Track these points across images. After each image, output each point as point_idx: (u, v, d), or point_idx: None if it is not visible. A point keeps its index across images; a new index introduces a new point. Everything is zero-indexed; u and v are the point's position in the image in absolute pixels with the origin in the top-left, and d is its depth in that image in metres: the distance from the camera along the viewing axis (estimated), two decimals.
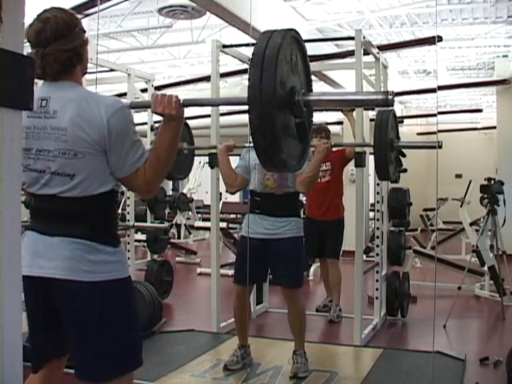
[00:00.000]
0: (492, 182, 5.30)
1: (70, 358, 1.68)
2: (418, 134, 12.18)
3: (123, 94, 6.14)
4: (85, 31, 1.66)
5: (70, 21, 1.59)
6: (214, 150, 4.19)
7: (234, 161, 3.41)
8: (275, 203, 3.26)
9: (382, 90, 4.58)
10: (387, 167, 3.08)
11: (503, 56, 8.87)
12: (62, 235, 1.52)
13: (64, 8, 1.63)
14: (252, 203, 3.33)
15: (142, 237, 6.47)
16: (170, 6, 5.72)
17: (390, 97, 1.43)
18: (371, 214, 5.35)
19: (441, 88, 8.65)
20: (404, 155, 3.45)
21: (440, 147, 3.24)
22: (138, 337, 1.69)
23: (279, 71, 1.34)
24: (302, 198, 6.51)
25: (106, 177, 1.57)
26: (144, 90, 5.44)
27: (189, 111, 10.81)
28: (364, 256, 4.23)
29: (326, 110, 9.75)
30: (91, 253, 1.54)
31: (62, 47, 1.55)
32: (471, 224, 6.94)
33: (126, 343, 1.60)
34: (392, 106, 1.54)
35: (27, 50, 1.43)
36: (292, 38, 1.47)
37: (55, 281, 1.52)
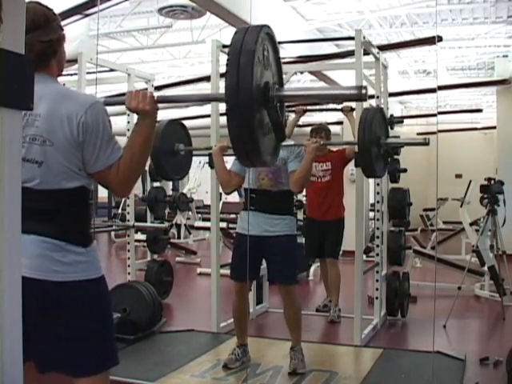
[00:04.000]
0: (492, 181, 5.30)
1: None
2: (418, 134, 12.16)
3: (123, 94, 6.14)
4: (63, 29, 1.65)
5: (47, 14, 1.59)
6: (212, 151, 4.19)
7: (230, 160, 3.42)
8: (270, 200, 3.28)
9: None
10: (371, 163, 3.06)
11: (503, 56, 8.87)
12: (31, 233, 1.48)
13: (43, 3, 1.62)
14: (247, 200, 3.33)
15: (142, 237, 6.47)
16: (170, 6, 5.72)
17: (363, 91, 1.44)
18: (371, 214, 5.35)
19: (441, 88, 8.65)
20: (398, 154, 3.45)
21: (427, 144, 3.25)
22: (111, 337, 1.65)
23: (255, 68, 1.38)
24: (302, 198, 6.52)
25: (76, 172, 1.54)
26: None
27: (189, 111, 10.81)
28: (364, 256, 4.24)
29: (326, 110, 9.76)
30: (60, 252, 1.51)
31: (37, 38, 1.54)
32: (471, 224, 6.94)
33: (96, 344, 1.56)
34: (365, 100, 1.55)
35: None
36: (265, 34, 1.50)
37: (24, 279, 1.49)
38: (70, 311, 1.52)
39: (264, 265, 3.58)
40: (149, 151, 1.64)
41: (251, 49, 1.37)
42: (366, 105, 4.82)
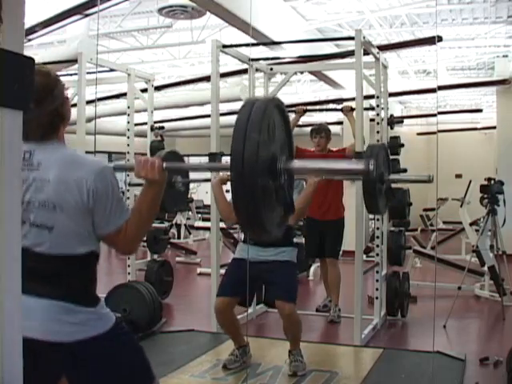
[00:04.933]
0: (492, 181, 5.30)
1: None
2: (418, 134, 12.18)
3: (123, 94, 6.15)
4: (64, 86, 1.63)
5: (47, 83, 1.56)
6: (213, 150, 4.19)
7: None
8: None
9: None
10: (376, 200, 3.07)
11: (503, 56, 8.87)
12: (41, 296, 1.49)
13: (41, 68, 1.59)
14: (246, 234, 3.31)
15: None
16: (170, 6, 5.72)
17: (371, 167, 1.40)
18: (371, 214, 5.36)
19: (441, 88, 8.65)
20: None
21: (431, 181, 3.23)
22: (141, 374, 1.67)
23: (262, 140, 1.35)
24: None
25: (86, 236, 1.56)
26: (144, 90, 5.44)
27: (189, 111, 10.81)
28: (364, 256, 4.24)
29: (326, 110, 9.76)
30: (69, 314, 1.52)
31: (42, 111, 1.53)
32: (471, 224, 6.94)
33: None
34: (372, 175, 1.51)
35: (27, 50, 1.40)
36: (274, 106, 1.47)
37: (39, 342, 1.48)
38: (92, 365, 1.55)
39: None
40: (155, 214, 1.68)
41: (256, 138, 1.34)
42: (365, 104, 4.82)
